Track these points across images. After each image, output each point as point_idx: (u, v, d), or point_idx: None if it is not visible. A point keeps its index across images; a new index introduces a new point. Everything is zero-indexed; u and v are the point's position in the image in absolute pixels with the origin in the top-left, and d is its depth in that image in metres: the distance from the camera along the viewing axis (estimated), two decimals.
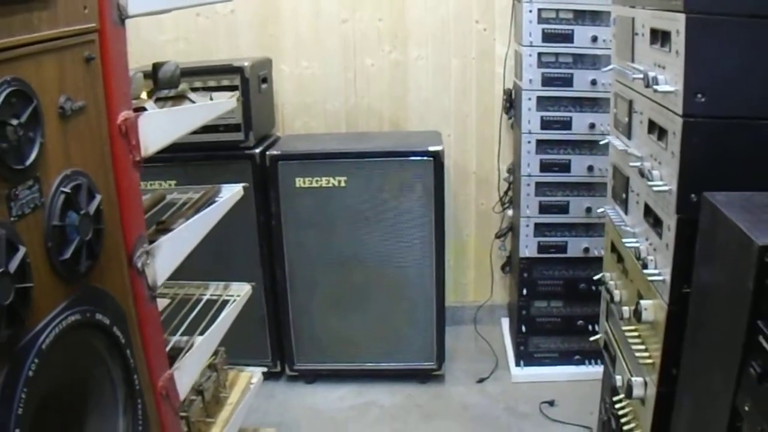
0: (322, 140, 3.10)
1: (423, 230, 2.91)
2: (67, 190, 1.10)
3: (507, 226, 3.37)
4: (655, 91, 1.45)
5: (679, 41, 1.38)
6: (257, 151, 2.87)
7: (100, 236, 1.20)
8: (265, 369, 2.18)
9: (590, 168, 2.88)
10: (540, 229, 2.99)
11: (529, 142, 2.90)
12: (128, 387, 1.32)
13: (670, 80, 1.43)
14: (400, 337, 3.05)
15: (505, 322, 3.52)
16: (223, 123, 2.80)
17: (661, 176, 1.50)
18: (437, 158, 2.82)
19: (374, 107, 3.33)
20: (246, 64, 2.80)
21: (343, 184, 2.87)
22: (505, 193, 3.33)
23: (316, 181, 2.87)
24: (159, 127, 1.38)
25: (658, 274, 1.53)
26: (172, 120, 1.48)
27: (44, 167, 1.06)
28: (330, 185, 2.87)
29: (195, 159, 2.80)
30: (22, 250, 0.99)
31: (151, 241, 1.41)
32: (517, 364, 3.16)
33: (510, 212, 3.30)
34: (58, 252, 1.10)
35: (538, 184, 2.94)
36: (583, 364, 3.11)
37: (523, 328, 3.10)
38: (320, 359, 3.09)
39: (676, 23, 1.38)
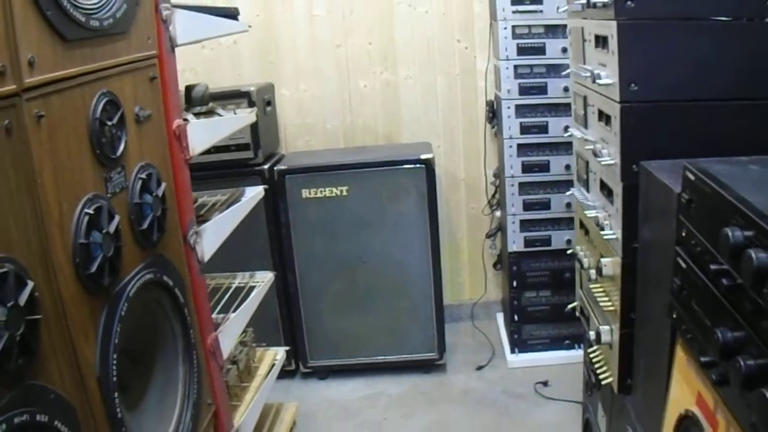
0: (324, 155, 3.48)
1: (419, 232, 3.28)
2: (143, 176, 1.48)
3: (496, 226, 3.75)
4: (599, 84, 1.84)
5: (613, 43, 1.77)
6: (266, 167, 3.25)
7: (165, 214, 1.57)
8: (287, 348, 2.52)
9: (567, 167, 3.26)
10: (525, 225, 3.36)
11: (510, 146, 3.29)
12: (186, 340, 1.68)
13: (610, 75, 1.82)
14: (403, 332, 3.40)
15: (500, 316, 3.88)
16: (235, 143, 3.19)
17: (609, 153, 1.88)
18: (428, 165, 3.21)
19: (369, 124, 3.73)
20: (252, 89, 3.20)
21: (345, 193, 3.24)
22: (493, 196, 3.71)
23: (321, 191, 3.24)
24: (201, 134, 1.77)
25: (613, 234, 1.90)
26: (210, 128, 1.87)
27: (127, 158, 1.44)
28: (333, 195, 3.24)
29: (211, 177, 3.16)
30: (117, 218, 1.37)
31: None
32: (512, 352, 3.51)
33: (498, 213, 3.68)
34: (138, 224, 1.47)
35: (521, 184, 3.32)
36: (573, 348, 3.45)
37: (516, 318, 3.46)
38: (331, 356, 3.44)
39: (611, 29, 1.77)
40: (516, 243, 3.37)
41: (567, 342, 3.47)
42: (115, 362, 1.35)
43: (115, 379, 1.35)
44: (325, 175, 3.24)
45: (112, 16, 1.38)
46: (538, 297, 3.45)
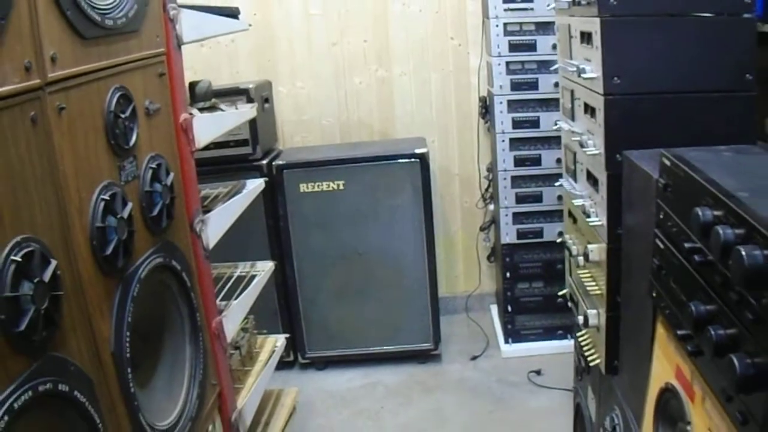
0: (321, 150, 3.59)
1: (414, 225, 3.39)
2: (153, 166, 1.58)
3: (490, 220, 3.85)
4: (584, 78, 1.95)
5: (597, 39, 1.87)
6: (264, 162, 3.36)
7: (173, 203, 1.67)
8: (287, 335, 2.63)
9: (558, 160, 3.36)
10: (518, 217, 3.47)
11: (503, 141, 3.39)
12: (192, 323, 1.79)
13: (594, 69, 1.92)
14: (399, 323, 3.51)
15: (494, 308, 3.99)
16: (234, 139, 3.29)
17: (594, 144, 1.98)
18: (423, 159, 3.31)
19: (364, 120, 3.83)
20: (251, 86, 3.30)
21: (341, 187, 3.35)
22: (486, 189, 3.82)
23: (318, 185, 3.35)
24: (205, 127, 1.87)
25: (598, 221, 2.01)
26: (214, 122, 1.97)
27: (139, 149, 1.54)
28: (330, 189, 3.35)
29: (211, 172, 3.25)
30: (130, 205, 1.47)
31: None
32: (506, 342, 3.62)
33: (491, 207, 3.79)
34: (149, 210, 1.57)
35: (513, 177, 3.43)
36: (566, 338, 3.56)
37: (509, 309, 3.57)
38: (329, 347, 3.55)
39: (595, 25, 1.88)
40: (509, 235, 3.48)
41: (559, 332, 3.58)
42: (128, 339, 1.45)
43: (128, 355, 1.45)
44: (322, 169, 3.34)
45: (124, 16, 1.48)
46: (531, 288, 3.56)
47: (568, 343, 3.51)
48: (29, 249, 1.14)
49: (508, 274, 3.53)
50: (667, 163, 1.48)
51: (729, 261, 1.13)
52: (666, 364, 1.58)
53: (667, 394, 1.55)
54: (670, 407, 1.55)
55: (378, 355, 3.55)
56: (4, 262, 1.09)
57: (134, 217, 1.49)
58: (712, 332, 1.20)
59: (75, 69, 1.31)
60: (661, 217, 1.52)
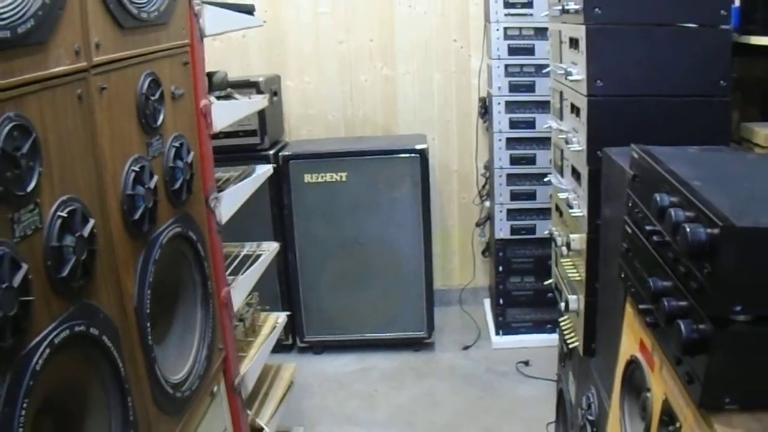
0: (326, 143, 3.80)
1: (412, 217, 3.60)
2: (176, 145, 1.79)
3: (485, 216, 4.05)
4: (571, 80, 2.15)
5: (582, 44, 2.07)
6: (271, 152, 3.56)
7: (192, 179, 1.87)
8: (289, 312, 2.83)
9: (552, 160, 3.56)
10: (512, 214, 3.67)
11: (500, 140, 3.60)
12: (204, 290, 1.98)
13: (580, 72, 2.12)
14: (395, 311, 3.71)
15: (487, 302, 4.19)
16: (243, 129, 3.49)
17: (578, 141, 2.18)
18: (423, 155, 3.52)
19: (368, 116, 4.04)
20: (261, 79, 3.50)
21: (344, 178, 3.55)
22: (483, 187, 4.02)
23: (322, 176, 3.55)
24: (222, 113, 2.08)
25: (580, 212, 2.21)
26: (229, 109, 2.18)
27: (164, 129, 1.74)
28: (333, 180, 3.55)
29: (220, 160, 3.44)
30: (156, 177, 1.67)
31: None
32: (497, 333, 3.82)
33: (487, 203, 3.99)
34: (172, 184, 1.77)
35: (509, 175, 3.63)
36: (554, 332, 3.73)
37: (501, 301, 3.77)
38: (327, 332, 3.75)
39: (581, 32, 2.08)
40: (503, 231, 3.68)
41: (548, 326, 3.77)
42: (149, 297, 1.65)
43: (148, 311, 1.65)
44: (327, 161, 3.55)
45: (157, 10, 1.68)
46: (523, 282, 3.76)
47: (555, 337, 3.67)
48: (72, 207, 1.34)
49: (500, 268, 3.73)
50: (636, 156, 1.68)
51: (677, 237, 1.33)
52: (632, 339, 1.77)
53: (632, 365, 1.74)
54: (635, 378, 1.74)
55: (374, 341, 3.75)
56: (53, 216, 1.29)
57: (158, 189, 1.69)
58: (666, 303, 1.39)
59: (115, 55, 1.51)
60: (630, 204, 1.72)
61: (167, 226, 1.75)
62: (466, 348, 3.80)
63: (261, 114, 3.49)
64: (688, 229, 1.25)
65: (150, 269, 1.66)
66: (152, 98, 1.66)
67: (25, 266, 1.18)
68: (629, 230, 1.73)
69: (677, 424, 1.38)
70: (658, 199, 1.44)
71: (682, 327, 1.29)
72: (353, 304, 3.70)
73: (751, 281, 1.16)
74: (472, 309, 4.18)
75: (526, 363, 3.60)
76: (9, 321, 1.14)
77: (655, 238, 1.48)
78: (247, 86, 3.48)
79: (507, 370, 3.59)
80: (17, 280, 1.16)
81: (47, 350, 1.26)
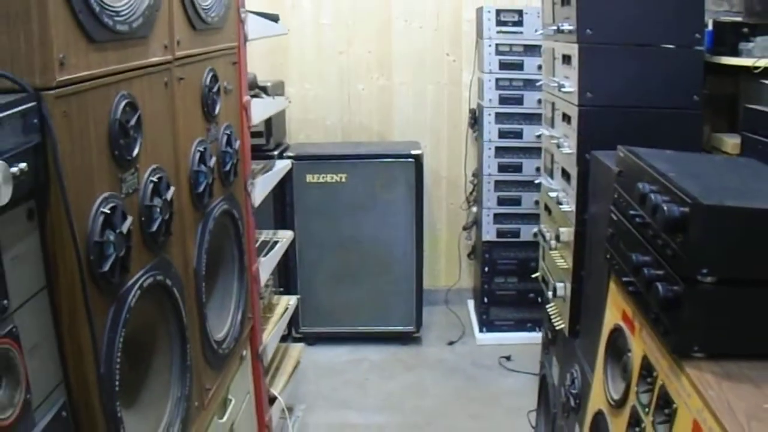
0: (326, 146, 4.13)
1: (406, 218, 3.93)
2: (227, 133, 2.11)
3: (472, 220, 4.40)
4: (563, 92, 2.51)
5: (575, 61, 2.44)
6: (276, 153, 3.88)
7: (237, 164, 2.19)
8: (298, 296, 3.15)
9: (538, 168, 3.90)
10: (498, 218, 4.03)
11: (489, 148, 3.96)
12: (240, 263, 2.30)
13: (572, 85, 2.48)
14: (386, 306, 4.04)
15: (471, 303, 4.53)
16: (251, 130, 3.79)
17: (568, 145, 2.54)
18: (417, 160, 3.86)
19: (364, 122, 4.38)
20: (269, 84, 3.81)
21: (343, 179, 3.88)
22: (470, 193, 4.37)
23: (323, 177, 3.88)
24: (258, 109, 2.41)
25: (569, 208, 2.56)
26: (263, 106, 2.51)
27: (219, 119, 2.06)
28: (333, 181, 3.88)
29: None
30: (213, 158, 1.99)
31: None
32: (481, 330, 4.16)
33: (474, 209, 4.34)
34: (223, 167, 2.09)
35: (496, 182, 3.99)
36: (535, 330, 4.10)
37: (485, 300, 4.11)
38: (321, 324, 4.06)
39: (574, 50, 2.44)
40: (489, 233, 4.03)
41: (529, 324, 4.12)
42: (204, 261, 1.96)
43: (203, 272, 1.96)
44: (328, 163, 3.88)
45: (217, 15, 2.01)
46: (506, 283, 4.10)
47: (536, 335, 4.03)
48: (160, 175, 1.65)
49: (486, 269, 4.07)
50: (622, 155, 2.03)
51: (655, 215, 1.67)
52: (615, 311, 2.11)
53: (615, 333, 2.07)
54: (617, 344, 2.06)
55: (365, 334, 4.07)
56: (146, 180, 1.60)
57: (214, 170, 2.01)
58: (645, 272, 1.73)
59: (189, 51, 1.83)
60: (616, 196, 2.07)
61: (219, 202, 2.07)
62: (451, 343, 4.13)
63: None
64: (665, 207, 1.58)
65: (206, 237, 1.97)
66: (212, 91, 1.98)
67: (130, 218, 1.49)
68: (615, 217, 2.08)
69: (654, 374, 1.70)
70: (640, 187, 1.78)
71: (660, 288, 1.61)
72: (347, 298, 4.02)
73: (715, 249, 1.48)
74: (457, 308, 4.52)
75: (508, 358, 3.94)
76: (118, 261, 1.44)
77: (637, 219, 1.82)
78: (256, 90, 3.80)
79: (490, 363, 3.93)
80: (126, 228, 1.46)
81: (138, 291, 1.56)
